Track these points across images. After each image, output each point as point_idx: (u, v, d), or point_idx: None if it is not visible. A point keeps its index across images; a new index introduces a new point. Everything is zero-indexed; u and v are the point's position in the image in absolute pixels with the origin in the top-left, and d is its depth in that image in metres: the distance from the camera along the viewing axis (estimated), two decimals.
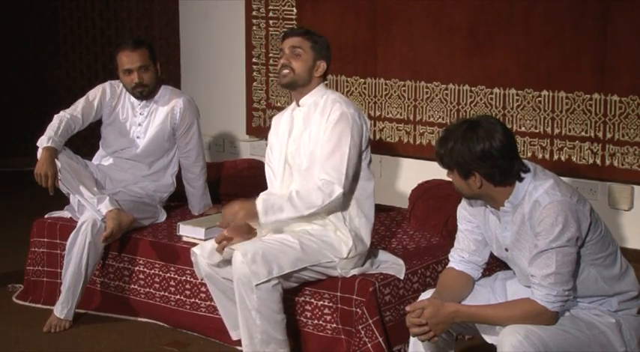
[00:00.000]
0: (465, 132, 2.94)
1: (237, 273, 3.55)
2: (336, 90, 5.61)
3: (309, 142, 3.72)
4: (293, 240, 3.65)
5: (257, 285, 3.52)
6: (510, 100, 5.01)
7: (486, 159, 2.93)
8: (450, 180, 3.08)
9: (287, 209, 3.57)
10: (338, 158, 3.61)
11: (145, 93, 4.59)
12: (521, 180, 2.97)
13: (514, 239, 3.03)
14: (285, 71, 3.73)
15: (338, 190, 3.58)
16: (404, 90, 5.39)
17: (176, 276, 4.28)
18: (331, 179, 3.59)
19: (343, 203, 3.69)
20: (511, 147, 2.97)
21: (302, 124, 3.76)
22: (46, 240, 4.63)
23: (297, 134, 3.77)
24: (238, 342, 3.90)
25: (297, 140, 3.77)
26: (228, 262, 3.65)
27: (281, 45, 3.80)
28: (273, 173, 3.87)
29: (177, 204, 4.88)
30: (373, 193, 3.80)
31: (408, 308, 3.02)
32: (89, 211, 4.32)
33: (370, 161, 3.79)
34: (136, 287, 4.42)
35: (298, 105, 3.81)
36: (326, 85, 3.85)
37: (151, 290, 4.37)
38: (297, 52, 3.72)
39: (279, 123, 3.89)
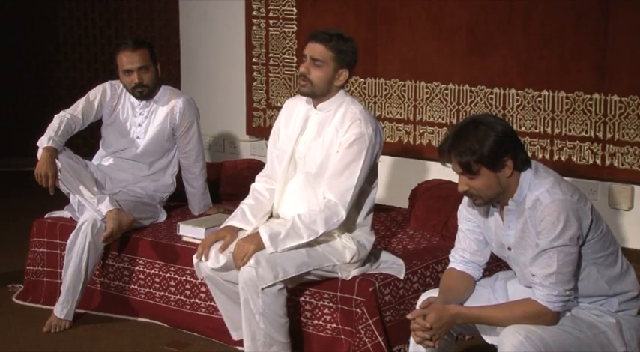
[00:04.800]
0: (476, 128, 2.94)
1: (243, 277, 3.55)
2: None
3: (321, 151, 3.69)
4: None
5: (263, 289, 3.52)
6: (510, 100, 5.02)
7: (510, 140, 2.94)
8: (458, 190, 3.05)
9: (291, 237, 3.57)
10: (347, 181, 3.59)
11: (144, 93, 4.58)
12: (531, 166, 2.98)
13: (518, 237, 3.03)
14: (303, 82, 3.66)
15: (341, 214, 3.58)
16: (404, 91, 5.39)
17: (176, 276, 4.28)
18: (337, 201, 3.58)
19: (348, 215, 3.69)
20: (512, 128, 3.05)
21: (315, 130, 3.72)
22: (46, 240, 4.63)
23: (308, 137, 3.73)
24: (239, 342, 3.91)
25: (307, 143, 3.73)
26: (231, 266, 3.66)
27: (305, 47, 3.68)
28: (277, 160, 3.85)
29: (177, 204, 4.88)
30: (373, 203, 3.83)
31: (409, 316, 3.01)
32: (89, 211, 4.32)
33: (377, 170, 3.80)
34: (136, 287, 4.42)
35: (315, 108, 3.76)
36: (346, 90, 3.76)
37: (151, 290, 4.37)
38: (318, 64, 3.62)
39: (292, 113, 3.82)
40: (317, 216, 3.57)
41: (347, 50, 3.65)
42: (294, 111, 3.82)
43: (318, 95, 3.69)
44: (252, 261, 3.52)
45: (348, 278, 3.77)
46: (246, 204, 3.85)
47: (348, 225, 3.73)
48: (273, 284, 3.54)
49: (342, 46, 3.64)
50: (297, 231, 3.57)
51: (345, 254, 3.71)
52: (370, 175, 3.71)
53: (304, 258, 3.63)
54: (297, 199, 3.73)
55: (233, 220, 3.81)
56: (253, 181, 3.98)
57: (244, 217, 3.80)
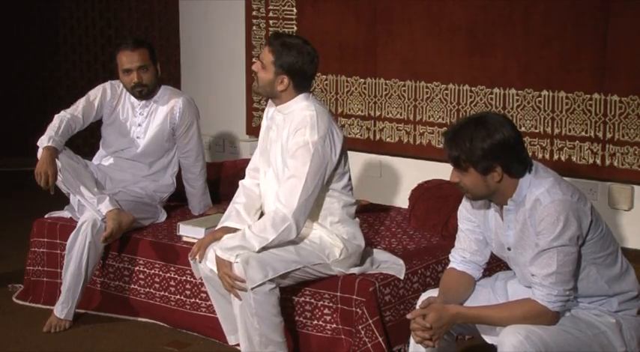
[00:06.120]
0: (477, 128, 2.93)
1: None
2: (337, 90, 5.61)
3: (280, 155, 3.72)
4: (287, 243, 3.67)
5: (252, 289, 3.53)
6: (510, 100, 5.02)
7: (506, 150, 2.92)
8: (450, 180, 3.06)
9: (241, 245, 3.57)
10: (293, 190, 3.58)
11: (144, 93, 4.59)
12: (529, 171, 2.97)
13: (518, 237, 3.03)
14: (254, 80, 3.75)
15: (289, 221, 3.57)
16: (404, 90, 5.39)
17: (176, 276, 4.28)
18: (282, 209, 3.58)
19: (326, 214, 3.73)
20: (520, 135, 2.99)
21: (276, 132, 3.76)
22: (46, 240, 4.63)
23: (273, 138, 3.78)
24: (238, 345, 3.90)
25: (272, 144, 3.77)
26: None
27: None
28: (259, 151, 3.91)
29: (177, 204, 4.88)
30: (353, 197, 3.82)
31: (408, 316, 3.01)
32: (89, 211, 4.32)
33: (348, 171, 3.79)
34: (136, 287, 4.42)
35: (276, 109, 3.79)
36: (310, 94, 3.76)
37: (151, 290, 4.37)
38: (263, 65, 3.70)
39: (268, 112, 3.86)
40: (265, 224, 3.60)
41: (287, 58, 3.65)
42: (269, 113, 3.87)
43: (264, 95, 3.79)
44: (242, 263, 3.53)
45: (348, 273, 3.77)
46: (239, 203, 3.88)
47: (327, 224, 3.74)
48: (263, 284, 3.55)
49: (283, 53, 3.65)
50: (248, 241, 3.57)
51: (333, 251, 3.73)
52: (335, 175, 3.71)
53: (293, 256, 3.65)
54: (272, 193, 3.74)
55: (229, 221, 3.83)
56: None
57: (239, 217, 3.82)
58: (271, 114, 3.82)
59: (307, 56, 3.68)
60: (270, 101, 3.86)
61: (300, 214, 3.60)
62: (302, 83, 3.72)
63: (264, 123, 3.89)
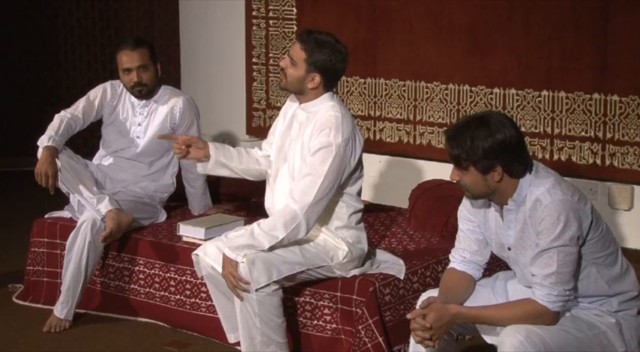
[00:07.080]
0: (479, 127, 2.93)
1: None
2: (337, 90, 5.60)
3: (300, 153, 3.70)
4: (292, 245, 3.66)
5: (257, 290, 3.53)
6: (510, 100, 5.02)
7: (507, 150, 2.92)
8: (450, 179, 3.06)
9: (251, 247, 3.56)
10: (308, 189, 3.57)
11: (143, 92, 4.59)
12: (530, 172, 2.97)
13: (518, 237, 3.03)
14: (281, 76, 3.73)
15: (300, 220, 3.55)
16: (404, 90, 5.39)
17: (176, 276, 4.28)
18: (295, 207, 3.56)
19: (332, 218, 3.72)
20: (522, 136, 2.99)
21: (297, 129, 3.74)
22: (46, 240, 4.63)
23: (293, 136, 3.76)
24: (238, 343, 3.90)
25: (292, 142, 3.76)
26: None
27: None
28: (269, 146, 3.90)
29: (177, 204, 4.88)
30: (362, 203, 3.82)
31: (408, 316, 3.01)
32: (89, 211, 4.32)
33: (362, 176, 3.78)
34: (136, 287, 4.42)
35: (300, 106, 3.77)
36: (334, 94, 3.74)
37: (151, 290, 4.37)
38: (293, 62, 3.66)
39: (288, 109, 3.85)
40: (276, 222, 3.58)
41: (320, 56, 3.63)
42: (291, 107, 3.85)
43: (292, 91, 3.74)
44: (247, 263, 3.53)
45: (349, 276, 3.77)
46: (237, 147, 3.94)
47: (333, 227, 3.74)
48: (267, 285, 3.55)
49: (316, 51, 3.63)
50: (257, 239, 3.56)
51: (337, 253, 3.72)
52: (350, 179, 3.70)
53: (298, 258, 3.65)
54: (284, 191, 3.73)
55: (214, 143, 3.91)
56: (253, 181, 4.01)
57: (222, 145, 3.89)
58: (293, 111, 3.80)
59: (339, 55, 3.67)
60: (290, 97, 3.84)
61: (312, 213, 3.58)
62: (331, 82, 3.71)
63: (281, 120, 3.86)
